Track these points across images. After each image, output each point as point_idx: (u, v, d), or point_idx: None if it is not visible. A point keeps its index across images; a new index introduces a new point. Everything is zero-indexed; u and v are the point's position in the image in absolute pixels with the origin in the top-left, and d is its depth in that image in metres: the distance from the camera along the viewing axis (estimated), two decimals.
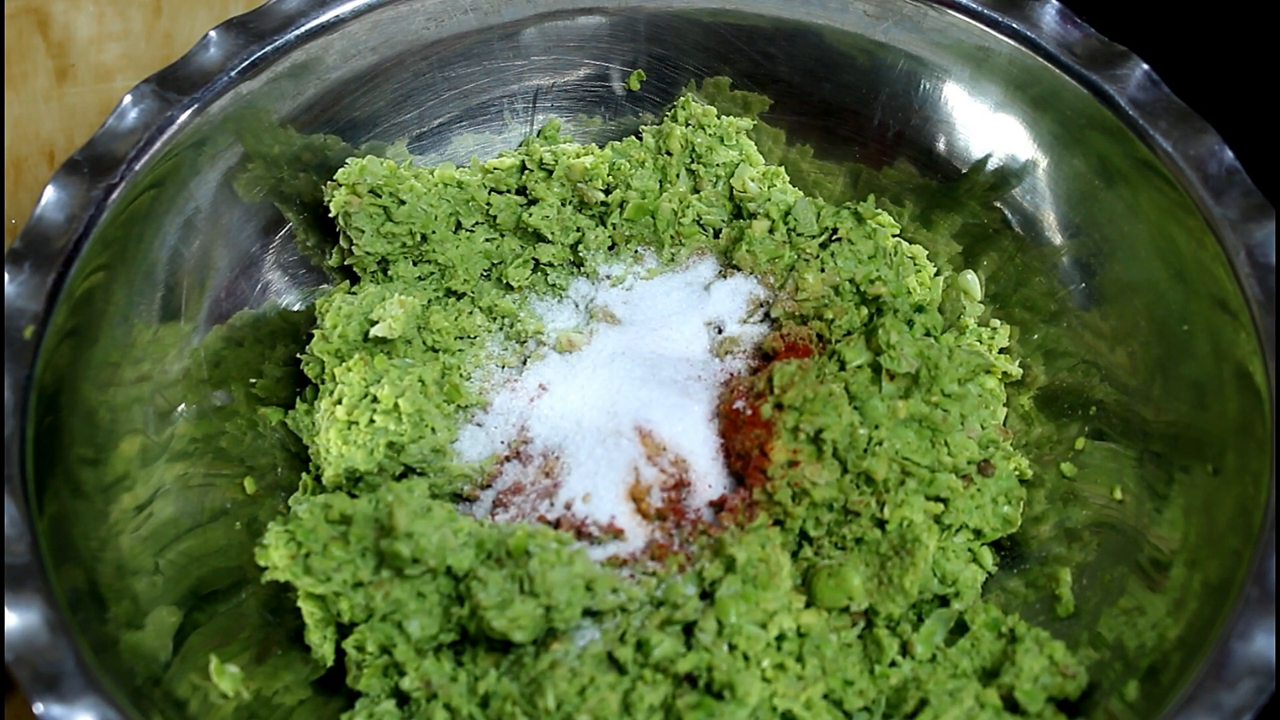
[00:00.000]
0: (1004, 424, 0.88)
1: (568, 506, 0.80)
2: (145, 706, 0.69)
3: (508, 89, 0.96)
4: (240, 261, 0.88)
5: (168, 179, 0.82)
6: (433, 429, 0.83)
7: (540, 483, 0.83)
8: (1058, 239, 0.87)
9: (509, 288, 0.93)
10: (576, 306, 0.93)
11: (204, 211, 0.85)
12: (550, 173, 0.93)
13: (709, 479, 0.82)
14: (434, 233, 0.89)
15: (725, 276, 0.91)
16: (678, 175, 0.93)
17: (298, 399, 0.90)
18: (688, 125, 0.94)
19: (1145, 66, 0.82)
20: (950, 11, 0.87)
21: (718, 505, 0.81)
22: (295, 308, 0.91)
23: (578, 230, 0.92)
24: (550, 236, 0.91)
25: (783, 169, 0.95)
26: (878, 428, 0.78)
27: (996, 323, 0.90)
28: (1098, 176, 0.84)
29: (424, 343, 0.88)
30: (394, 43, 0.89)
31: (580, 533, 0.79)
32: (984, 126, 0.89)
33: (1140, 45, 0.83)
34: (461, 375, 0.88)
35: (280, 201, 0.89)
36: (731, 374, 0.86)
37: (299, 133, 0.88)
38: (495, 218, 0.92)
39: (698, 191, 0.93)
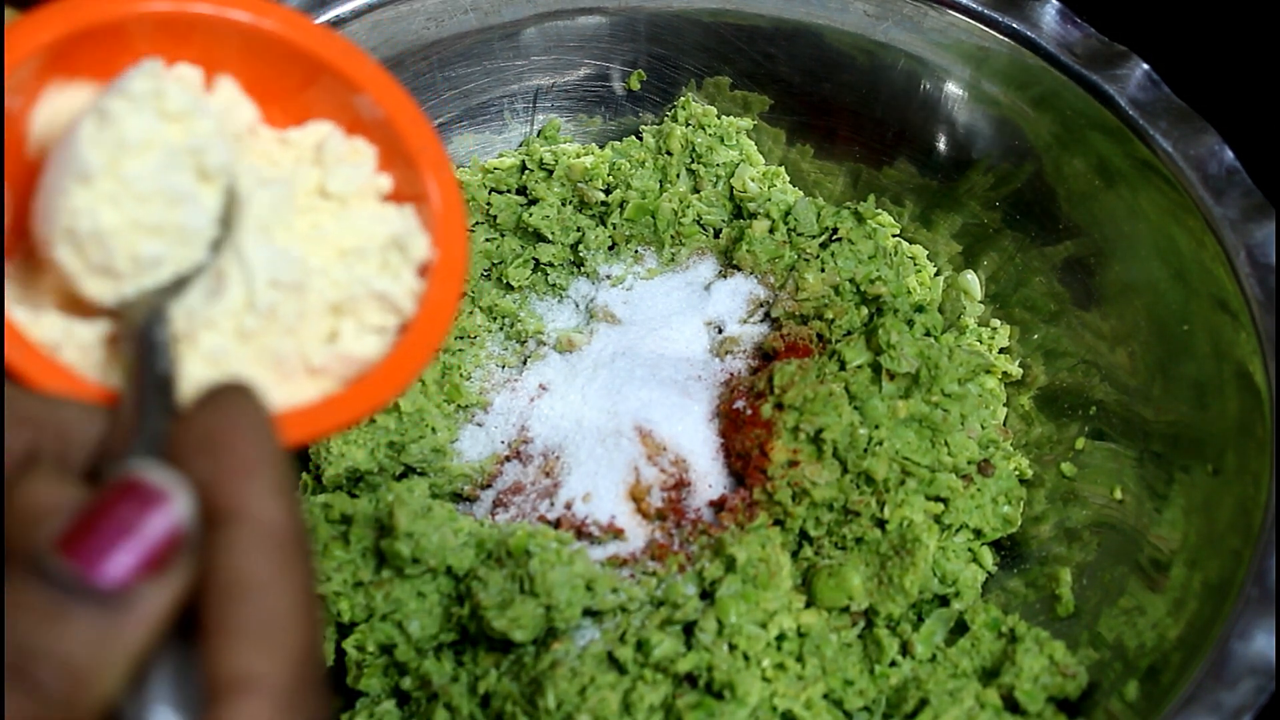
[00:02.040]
0: (1004, 424, 0.88)
1: (568, 506, 0.80)
2: None
3: (508, 89, 0.95)
4: None
5: None
6: (433, 429, 0.83)
7: (540, 482, 0.82)
8: (1058, 239, 0.87)
9: (509, 287, 0.93)
10: (577, 306, 0.93)
11: None
12: (550, 173, 0.93)
13: (709, 479, 0.82)
14: None
15: (725, 276, 0.91)
16: (678, 175, 0.93)
17: None
18: (688, 125, 0.94)
19: (1145, 66, 0.82)
20: (950, 11, 0.87)
21: (718, 505, 0.81)
22: None
23: (578, 230, 0.92)
24: (550, 236, 0.91)
25: (783, 169, 0.95)
26: (878, 427, 0.78)
27: (996, 323, 0.90)
28: (1098, 176, 0.84)
29: None
30: (394, 43, 0.89)
31: (580, 532, 0.79)
32: (984, 126, 0.89)
33: (1140, 45, 0.83)
34: (461, 375, 0.88)
35: None
36: (731, 374, 0.86)
37: None
38: (495, 218, 0.92)
39: (698, 191, 0.93)
